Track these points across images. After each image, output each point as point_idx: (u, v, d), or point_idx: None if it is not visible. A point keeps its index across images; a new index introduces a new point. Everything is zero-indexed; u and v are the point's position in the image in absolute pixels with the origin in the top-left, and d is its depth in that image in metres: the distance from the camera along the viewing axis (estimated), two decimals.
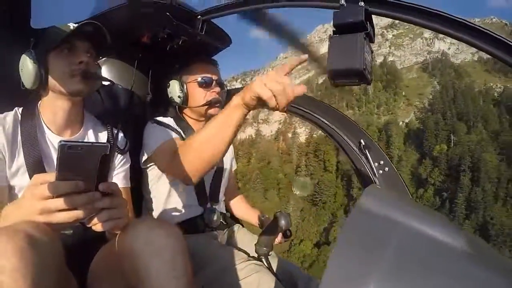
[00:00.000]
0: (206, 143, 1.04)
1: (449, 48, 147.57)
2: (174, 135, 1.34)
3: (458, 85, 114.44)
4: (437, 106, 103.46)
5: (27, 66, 1.01)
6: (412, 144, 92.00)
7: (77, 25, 1.05)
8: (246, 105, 0.95)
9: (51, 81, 1.03)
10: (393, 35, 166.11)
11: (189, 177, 1.09)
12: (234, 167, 1.80)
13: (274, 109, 0.90)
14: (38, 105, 1.09)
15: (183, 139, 1.36)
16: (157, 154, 1.28)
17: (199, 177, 1.11)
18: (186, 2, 1.33)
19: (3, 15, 1.13)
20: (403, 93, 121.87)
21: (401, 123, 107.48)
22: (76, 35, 1.04)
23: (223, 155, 1.06)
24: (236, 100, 0.96)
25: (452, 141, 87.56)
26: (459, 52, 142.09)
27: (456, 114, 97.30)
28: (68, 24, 1.09)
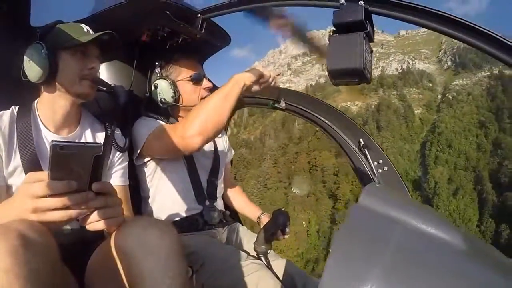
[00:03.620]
0: (213, 111, 1.17)
1: None
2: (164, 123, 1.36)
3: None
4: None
5: (37, 58, 1.00)
6: None
7: (97, 33, 1.06)
8: (244, 81, 1.19)
9: (60, 79, 1.03)
10: (303, 62, 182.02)
11: (194, 142, 1.18)
12: (231, 157, 1.81)
13: (262, 85, 1.26)
14: (35, 102, 1.09)
15: None
16: (151, 140, 1.29)
17: (204, 141, 1.20)
18: (186, 1, 1.33)
19: (3, 13, 1.13)
20: (273, 115, 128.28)
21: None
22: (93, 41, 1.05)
23: (224, 125, 1.21)
24: (237, 77, 1.20)
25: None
26: None
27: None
28: (81, 26, 1.09)
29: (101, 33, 1.05)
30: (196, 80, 1.43)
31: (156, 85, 1.41)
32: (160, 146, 1.27)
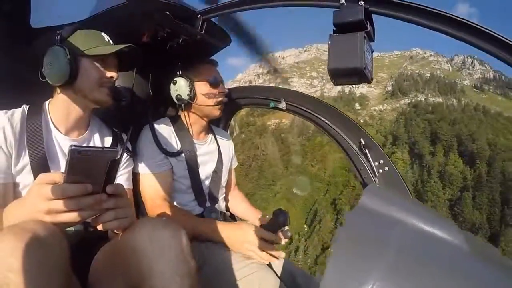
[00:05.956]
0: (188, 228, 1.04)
1: None
2: (158, 165, 1.37)
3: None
4: None
5: (59, 61, 1.00)
6: None
7: (119, 45, 1.08)
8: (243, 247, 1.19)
9: (79, 83, 1.04)
10: (264, 79, 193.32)
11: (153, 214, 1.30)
12: (235, 165, 1.81)
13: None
14: (47, 103, 1.09)
15: (178, 136, 1.44)
16: (140, 175, 1.36)
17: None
18: (186, 1, 1.33)
19: (2, 13, 1.13)
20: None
21: None
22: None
23: None
24: (240, 240, 1.20)
25: None
26: None
27: None
28: (102, 35, 1.11)
29: (124, 45, 1.07)
30: (214, 83, 1.46)
31: (175, 81, 1.45)
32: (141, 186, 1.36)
